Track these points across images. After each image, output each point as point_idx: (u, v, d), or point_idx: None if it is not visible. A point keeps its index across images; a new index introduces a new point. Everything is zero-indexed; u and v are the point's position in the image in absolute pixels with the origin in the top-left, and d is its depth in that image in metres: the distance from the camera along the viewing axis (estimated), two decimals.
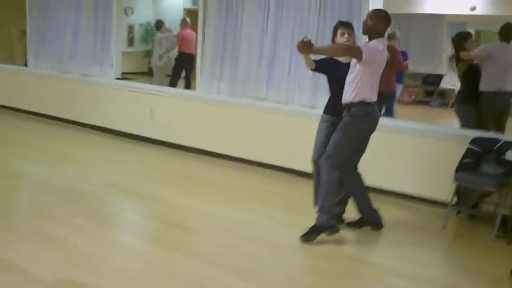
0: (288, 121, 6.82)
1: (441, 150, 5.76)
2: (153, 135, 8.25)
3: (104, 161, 7.32)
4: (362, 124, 4.74)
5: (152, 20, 16.09)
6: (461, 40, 6.64)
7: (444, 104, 12.10)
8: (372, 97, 4.71)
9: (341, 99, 4.75)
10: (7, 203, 5.47)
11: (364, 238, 4.94)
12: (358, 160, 4.95)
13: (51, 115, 9.68)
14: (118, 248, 4.56)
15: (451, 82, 10.83)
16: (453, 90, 7.73)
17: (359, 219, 5.07)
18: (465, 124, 6.29)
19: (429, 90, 12.90)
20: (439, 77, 12.56)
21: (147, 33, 16.00)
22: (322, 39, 6.41)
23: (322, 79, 5.15)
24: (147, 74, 15.68)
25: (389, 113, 7.85)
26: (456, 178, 5.18)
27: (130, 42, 15.88)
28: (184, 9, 15.80)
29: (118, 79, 8.99)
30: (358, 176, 4.98)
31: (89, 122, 9.12)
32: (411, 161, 5.98)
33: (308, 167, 5.20)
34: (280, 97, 6.95)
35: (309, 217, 4.80)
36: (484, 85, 6.25)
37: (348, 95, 4.68)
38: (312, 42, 4.50)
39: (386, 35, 4.86)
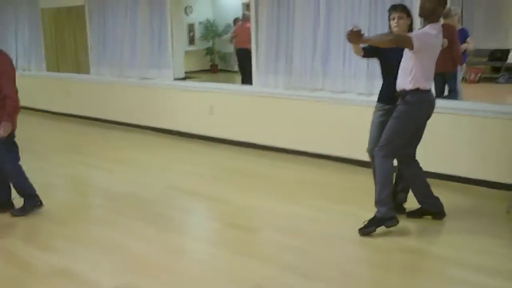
0: (346, 110, 6.72)
1: (503, 130, 5.53)
2: (213, 133, 8.31)
3: (165, 163, 7.39)
4: (417, 111, 4.60)
5: (211, 17, 16.24)
6: None
7: None
8: (428, 84, 4.56)
9: (395, 85, 4.62)
10: (69, 211, 5.60)
11: (424, 228, 4.79)
12: (415, 148, 4.81)
13: (114, 121, 9.92)
14: (177, 252, 4.59)
15: None
16: None
17: (419, 208, 4.93)
18: None
19: (496, 66, 12.41)
20: (506, 52, 12.04)
21: (207, 30, 16.12)
22: (375, 26, 6.28)
23: (378, 65, 5.04)
24: (210, 71, 15.86)
25: (453, 94, 7.55)
26: None
27: (191, 40, 16.02)
28: (243, 3, 15.79)
29: (180, 79, 9.07)
30: (416, 166, 4.84)
31: (150, 125, 9.28)
32: (471, 143, 5.77)
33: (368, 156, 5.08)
34: (336, 87, 6.86)
35: (369, 208, 4.71)
36: None
37: (403, 83, 4.55)
38: (362, 31, 4.39)
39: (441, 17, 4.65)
